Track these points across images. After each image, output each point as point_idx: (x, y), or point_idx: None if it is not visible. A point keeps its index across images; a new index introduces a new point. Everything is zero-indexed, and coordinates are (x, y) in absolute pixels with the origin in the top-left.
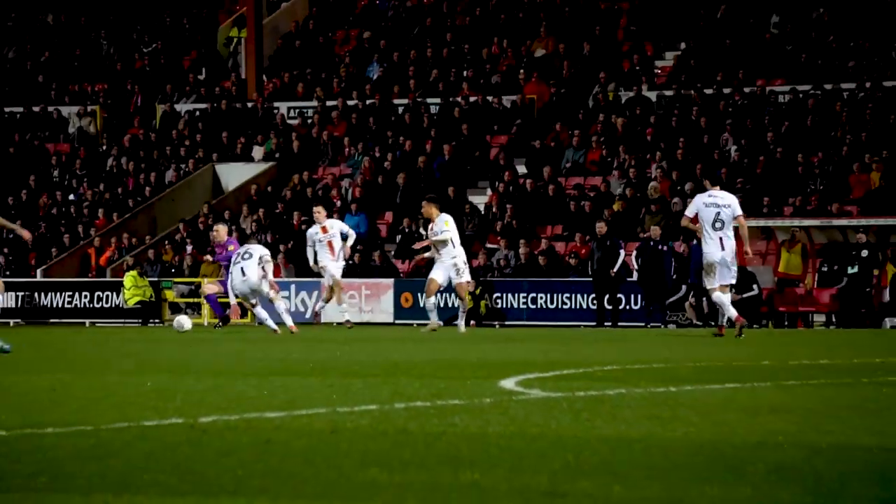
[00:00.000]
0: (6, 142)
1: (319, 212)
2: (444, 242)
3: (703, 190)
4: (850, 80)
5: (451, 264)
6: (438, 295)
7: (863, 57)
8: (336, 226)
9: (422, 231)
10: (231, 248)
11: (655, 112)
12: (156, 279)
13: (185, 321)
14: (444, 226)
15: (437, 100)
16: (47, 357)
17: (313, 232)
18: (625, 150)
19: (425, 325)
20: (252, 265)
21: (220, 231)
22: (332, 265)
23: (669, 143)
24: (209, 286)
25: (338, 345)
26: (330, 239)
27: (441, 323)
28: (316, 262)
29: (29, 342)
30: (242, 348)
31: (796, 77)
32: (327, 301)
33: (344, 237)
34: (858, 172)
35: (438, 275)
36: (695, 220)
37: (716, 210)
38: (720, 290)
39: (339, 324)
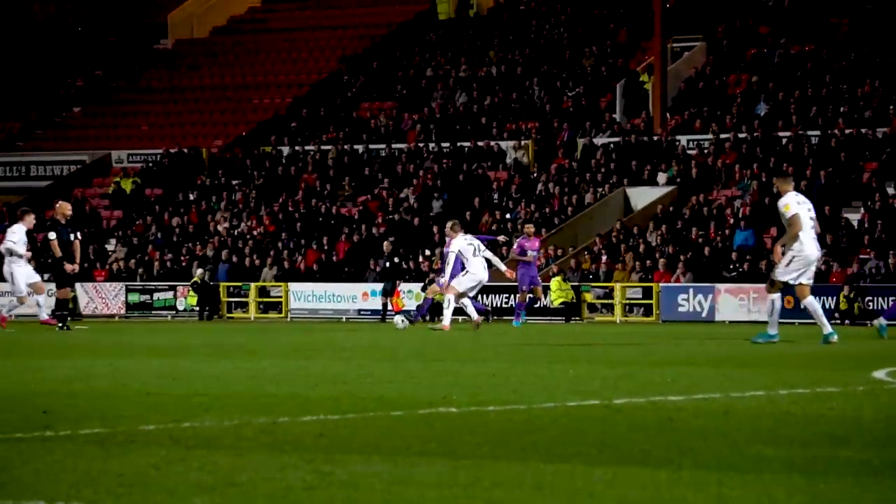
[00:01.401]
0: (456, 171)
1: None
2: None
3: None
4: None
5: None
6: None
7: None
8: None
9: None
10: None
11: None
12: (576, 284)
13: (399, 322)
14: None
15: (817, 132)
16: (487, 348)
17: None
18: None
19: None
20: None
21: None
22: None
23: None
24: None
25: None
26: None
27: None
28: None
29: (473, 336)
30: (646, 341)
31: None
32: None
33: None
34: None
35: None
36: None
37: None
38: None
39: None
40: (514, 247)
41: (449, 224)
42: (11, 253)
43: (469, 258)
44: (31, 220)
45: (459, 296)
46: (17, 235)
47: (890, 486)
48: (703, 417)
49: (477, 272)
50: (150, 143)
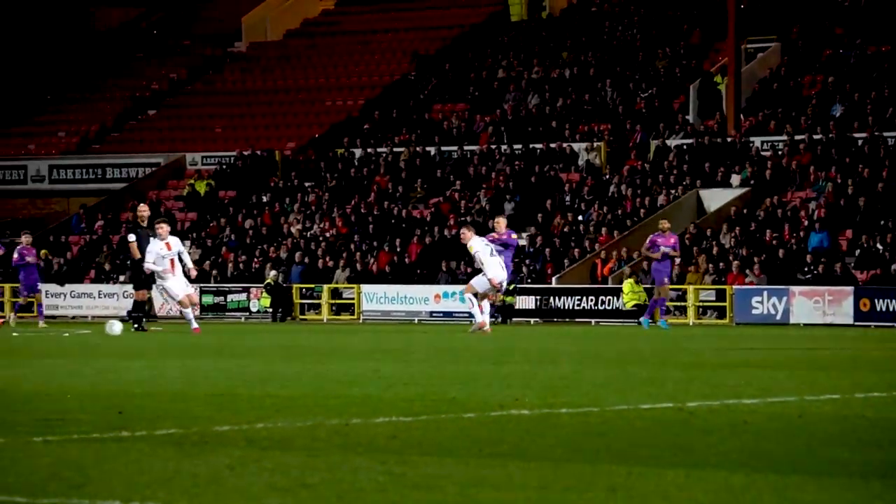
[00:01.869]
0: (529, 172)
1: None
2: None
3: None
4: None
5: None
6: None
7: None
8: None
9: (879, 246)
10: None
11: None
12: (649, 286)
13: (116, 326)
14: None
15: (893, 133)
16: (562, 350)
17: None
18: None
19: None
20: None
21: (500, 223)
22: None
23: None
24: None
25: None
26: None
27: None
28: None
29: (545, 338)
30: (720, 344)
31: None
32: None
33: None
34: None
35: None
36: None
37: None
38: None
39: None
40: (647, 242)
41: (465, 227)
42: (155, 272)
43: (486, 259)
44: (164, 231)
45: (476, 294)
46: (152, 255)
47: None
48: (777, 421)
49: (495, 273)
50: (224, 146)
